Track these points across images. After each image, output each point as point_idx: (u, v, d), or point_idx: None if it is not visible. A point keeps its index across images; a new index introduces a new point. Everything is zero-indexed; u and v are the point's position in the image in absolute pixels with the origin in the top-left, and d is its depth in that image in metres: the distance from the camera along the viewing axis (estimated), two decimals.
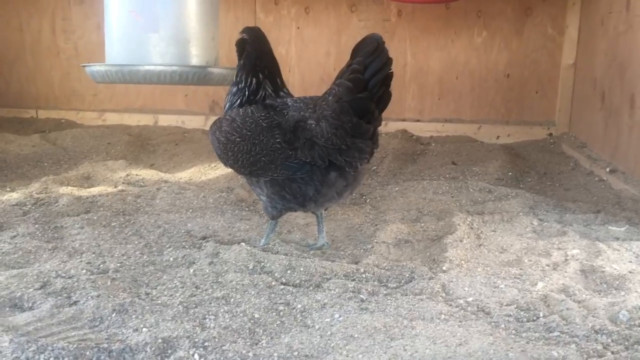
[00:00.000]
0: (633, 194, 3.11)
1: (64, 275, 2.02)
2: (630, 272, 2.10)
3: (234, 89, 2.36)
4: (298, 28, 5.23)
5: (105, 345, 1.54)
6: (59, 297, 1.86)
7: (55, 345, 1.50)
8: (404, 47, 5.08)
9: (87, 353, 1.50)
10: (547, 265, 2.20)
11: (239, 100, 2.33)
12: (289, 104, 2.27)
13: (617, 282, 2.02)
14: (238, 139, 2.23)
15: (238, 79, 2.36)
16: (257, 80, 2.32)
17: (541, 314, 1.78)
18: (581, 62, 4.71)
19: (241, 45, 2.38)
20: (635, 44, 3.45)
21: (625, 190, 3.20)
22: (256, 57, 2.35)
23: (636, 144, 3.36)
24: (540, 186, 3.55)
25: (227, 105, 2.38)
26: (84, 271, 2.05)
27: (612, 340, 1.62)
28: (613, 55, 3.85)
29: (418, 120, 5.15)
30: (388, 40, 2.07)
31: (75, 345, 1.52)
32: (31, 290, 1.90)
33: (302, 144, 2.17)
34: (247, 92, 2.32)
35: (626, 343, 1.60)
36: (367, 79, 2.07)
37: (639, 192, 3.09)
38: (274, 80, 2.36)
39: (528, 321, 1.75)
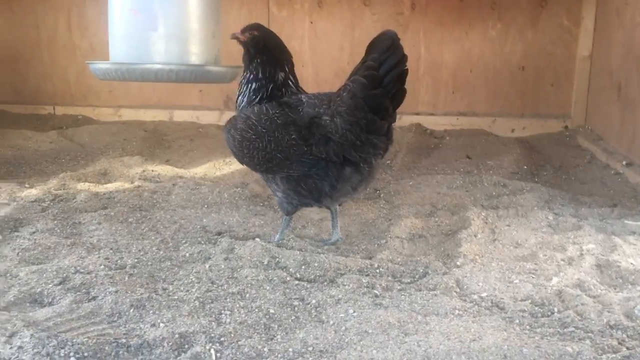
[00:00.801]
0: None
1: (82, 270, 2.06)
2: None
3: (254, 85, 2.32)
4: (311, 22, 5.23)
5: (124, 341, 1.57)
6: (78, 293, 1.89)
7: (75, 340, 1.53)
8: (417, 40, 5.05)
9: (106, 348, 1.53)
10: (562, 260, 2.19)
11: (260, 96, 2.31)
12: (304, 100, 2.28)
13: (633, 277, 2.01)
14: (253, 137, 2.25)
15: (260, 75, 2.31)
16: (284, 74, 2.33)
17: (556, 310, 1.78)
18: (597, 54, 4.66)
19: (256, 43, 2.37)
20: None
21: None
22: (279, 51, 2.35)
23: None
24: (555, 180, 3.53)
25: (244, 102, 2.34)
26: (102, 267, 2.09)
27: (628, 336, 1.62)
28: (629, 47, 3.80)
29: (432, 114, 5.13)
30: (401, 33, 2.07)
31: (94, 341, 1.55)
32: (51, 285, 1.93)
33: (317, 140, 2.19)
34: (270, 87, 2.30)
35: None
36: (382, 76, 2.07)
37: None
38: (294, 74, 2.37)
39: (542, 316, 1.76)
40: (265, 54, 2.33)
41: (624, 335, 1.62)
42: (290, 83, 2.34)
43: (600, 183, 3.41)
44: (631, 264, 2.12)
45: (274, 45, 2.36)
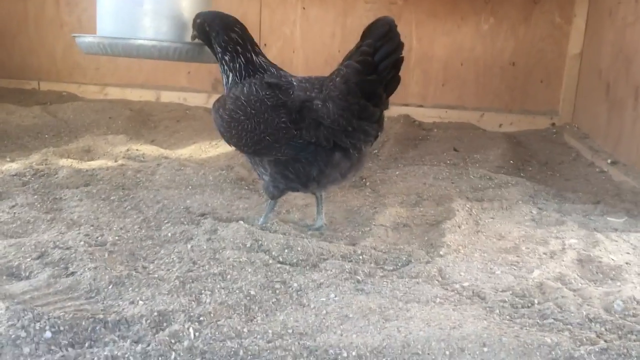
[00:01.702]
0: (633, 186, 3.10)
1: (61, 246, 2.03)
2: (626, 263, 2.10)
3: (230, 76, 2.32)
4: (304, 8, 5.19)
5: (101, 316, 1.55)
6: (56, 268, 1.87)
7: (51, 314, 1.51)
8: (409, 31, 5.04)
9: (83, 323, 1.51)
10: (544, 254, 2.20)
11: (233, 78, 2.30)
12: (294, 83, 2.25)
13: (613, 273, 2.03)
14: (242, 117, 2.22)
15: (225, 65, 2.32)
16: (243, 54, 2.28)
17: (536, 301, 1.79)
18: (587, 53, 4.68)
19: (203, 31, 2.36)
20: None
21: (626, 182, 3.20)
22: (224, 32, 2.31)
23: (639, 137, 3.34)
24: (540, 175, 3.55)
25: (226, 85, 2.35)
26: (82, 243, 2.06)
27: (606, 329, 1.63)
28: (620, 47, 3.82)
29: (421, 106, 5.12)
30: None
31: (71, 315, 1.52)
32: (29, 259, 1.90)
33: (308, 124, 2.16)
34: (241, 72, 2.29)
35: (619, 332, 1.61)
36: (377, 62, 2.05)
37: (639, 184, 3.08)
38: (254, 47, 2.33)
39: (523, 307, 1.76)
40: (216, 38, 2.32)
41: (602, 329, 1.63)
42: (255, 57, 2.30)
43: (584, 180, 3.43)
44: (612, 259, 2.13)
45: (221, 27, 2.32)
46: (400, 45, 2.06)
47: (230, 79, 2.32)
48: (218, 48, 2.34)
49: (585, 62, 4.69)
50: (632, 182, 3.15)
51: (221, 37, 2.32)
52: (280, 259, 2.04)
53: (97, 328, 1.51)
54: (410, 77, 5.09)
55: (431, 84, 5.13)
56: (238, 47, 2.30)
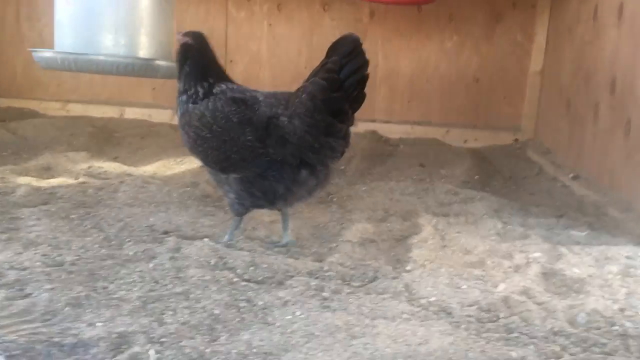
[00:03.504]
0: (595, 199, 3.16)
1: (17, 267, 1.95)
2: (589, 276, 2.13)
3: (184, 97, 2.30)
4: (270, 25, 5.20)
5: (57, 340, 1.49)
6: (11, 289, 1.79)
7: (4, 338, 1.45)
8: (375, 48, 5.09)
9: (38, 347, 1.45)
10: (509, 268, 2.21)
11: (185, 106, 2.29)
12: (260, 99, 2.24)
13: (577, 285, 2.05)
14: (208, 135, 2.19)
15: (186, 86, 2.30)
16: (207, 84, 2.27)
17: (502, 315, 1.79)
18: (548, 70, 4.79)
19: (185, 51, 2.32)
20: (600, 53, 3.52)
21: (587, 196, 3.26)
22: (202, 65, 2.30)
23: (599, 152, 3.42)
24: (505, 190, 3.60)
25: (179, 112, 2.33)
26: (39, 263, 1.98)
27: (570, 342, 1.64)
28: (579, 64, 3.92)
29: (388, 122, 5.17)
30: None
31: (25, 339, 1.46)
32: None
33: (274, 141, 2.14)
34: (200, 97, 2.27)
35: (583, 345, 1.62)
36: (343, 79, 2.05)
37: (601, 198, 3.14)
38: (227, 84, 2.31)
39: (489, 322, 1.76)
40: (192, 65, 2.29)
41: (567, 342, 1.64)
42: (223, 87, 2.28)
43: (547, 194, 3.48)
44: (575, 272, 2.16)
45: (201, 57, 2.31)
46: (365, 63, 2.07)
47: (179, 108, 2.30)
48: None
49: (547, 79, 4.81)
50: (593, 196, 3.21)
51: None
52: (246, 277, 2.00)
53: (53, 352, 1.45)
54: (377, 93, 5.13)
55: (397, 100, 5.18)
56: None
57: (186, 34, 2.34)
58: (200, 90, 2.27)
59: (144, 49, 2.63)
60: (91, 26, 2.62)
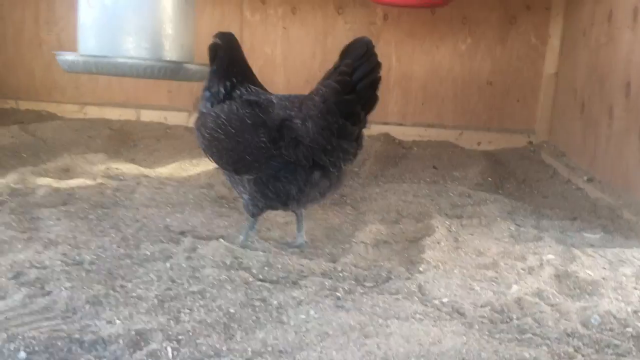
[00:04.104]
0: (609, 202, 3.15)
1: (38, 265, 2.00)
2: (603, 278, 2.13)
3: (207, 94, 2.35)
4: (284, 28, 5.23)
5: (77, 336, 1.52)
6: (32, 288, 1.84)
7: (25, 334, 1.48)
8: (389, 51, 5.10)
9: (59, 343, 1.48)
10: (523, 269, 2.22)
11: (213, 104, 2.33)
12: (274, 101, 2.27)
13: (590, 288, 2.05)
14: (222, 136, 2.23)
15: (210, 84, 2.35)
16: (230, 84, 2.32)
17: (515, 316, 1.80)
18: (562, 72, 4.78)
19: (213, 51, 2.38)
20: (615, 55, 3.51)
21: (601, 199, 3.25)
22: (228, 63, 2.35)
23: (613, 154, 3.41)
24: (518, 193, 3.59)
25: (202, 110, 2.37)
26: (59, 262, 2.03)
27: (583, 344, 1.65)
28: (594, 66, 3.91)
29: (401, 125, 5.17)
30: (374, 43, 2.09)
31: (46, 336, 1.50)
32: (4, 279, 1.87)
33: (287, 143, 2.17)
34: (220, 97, 2.32)
35: (596, 347, 1.63)
36: (355, 82, 2.07)
37: (615, 200, 3.13)
38: (249, 87, 2.35)
39: (501, 323, 1.77)
40: (218, 63, 2.35)
41: (580, 343, 1.65)
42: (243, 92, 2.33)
43: (561, 197, 3.48)
44: (589, 274, 2.16)
45: (227, 56, 2.36)
46: (377, 65, 2.09)
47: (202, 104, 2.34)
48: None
49: (561, 82, 4.79)
50: (607, 198, 3.20)
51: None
52: (260, 277, 2.03)
53: (73, 348, 1.49)
54: (390, 96, 5.15)
55: (410, 102, 5.19)
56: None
57: (216, 35, 2.41)
58: (222, 90, 2.31)
59: (166, 52, 2.67)
60: (114, 29, 2.66)
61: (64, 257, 2.07)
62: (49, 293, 1.81)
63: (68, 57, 2.72)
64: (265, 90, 2.39)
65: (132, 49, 2.66)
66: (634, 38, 3.25)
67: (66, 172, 3.42)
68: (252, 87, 2.34)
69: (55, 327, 1.60)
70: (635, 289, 2.05)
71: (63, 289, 1.81)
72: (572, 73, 4.45)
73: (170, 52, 2.58)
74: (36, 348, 1.45)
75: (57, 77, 5.42)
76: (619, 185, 3.26)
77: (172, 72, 2.67)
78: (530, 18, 4.95)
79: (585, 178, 3.65)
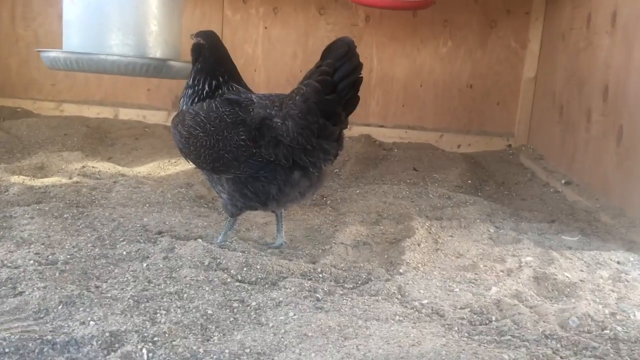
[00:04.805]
0: (586, 205, 3.18)
1: (10, 265, 1.95)
2: (581, 281, 2.14)
3: (190, 91, 2.32)
4: (265, 28, 5.21)
5: (50, 337, 1.48)
6: (4, 288, 1.79)
7: None
8: (370, 52, 5.11)
9: (30, 345, 1.44)
10: (502, 271, 2.22)
11: (195, 101, 2.30)
12: (254, 100, 2.25)
13: (568, 290, 2.06)
14: (201, 134, 2.20)
15: (195, 81, 2.31)
16: (216, 82, 2.29)
17: (494, 318, 1.80)
18: (541, 76, 4.82)
19: (197, 50, 2.35)
20: (593, 60, 3.55)
21: (579, 202, 3.28)
22: (214, 61, 2.32)
23: (591, 158, 3.45)
24: (497, 195, 3.61)
25: (183, 107, 2.34)
26: (32, 262, 1.98)
27: (562, 346, 1.65)
28: (572, 71, 3.95)
29: (382, 126, 5.18)
30: (355, 44, 2.08)
31: (17, 337, 1.46)
32: None
33: (267, 142, 2.15)
34: (203, 94, 2.29)
35: (575, 349, 1.63)
36: (336, 82, 2.06)
37: (592, 204, 3.17)
38: (232, 86, 2.32)
39: (481, 324, 1.77)
40: (204, 62, 2.31)
41: (558, 345, 1.65)
42: (226, 91, 2.30)
43: (539, 200, 3.50)
44: (567, 277, 2.17)
45: (213, 55, 2.33)
46: (359, 66, 2.08)
47: (183, 102, 2.31)
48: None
49: (540, 85, 4.84)
50: (585, 201, 3.24)
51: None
52: (239, 278, 2.01)
53: (45, 350, 1.45)
54: (371, 97, 5.15)
55: (391, 104, 5.20)
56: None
57: (197, 34, 2.37)
58: (207, 88, 2.28)
59: (150, 49, 2.62)
60: (98, 26, 2.61)
61: (37, 257, 2.02)
62: (20, 293, 1.76)
63: (50, 53, 2.66)
64: (249, 89, 2.36)
65: (115, 45, 2.61)
66: (612, 43, 3.29)
67: (41, 170, 3.35)
68: (235, 85, 2.31)
69: (26, 328, 1.55)
70: (613, 291, 2.07)
71: (35, 289, 1.76)
72: (551, 77, 4.50)
73: (154, 49, 2.53)
74: (6, 349, 1.41)
75: (33, 73, 5.32)
76: (597, 188, 3.30)
77: (155, 69, 2.63)
78: (510, 22, 4.99)
79: (563, 181, 3.68)
